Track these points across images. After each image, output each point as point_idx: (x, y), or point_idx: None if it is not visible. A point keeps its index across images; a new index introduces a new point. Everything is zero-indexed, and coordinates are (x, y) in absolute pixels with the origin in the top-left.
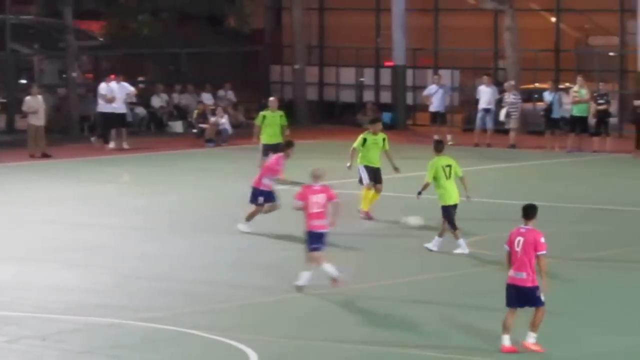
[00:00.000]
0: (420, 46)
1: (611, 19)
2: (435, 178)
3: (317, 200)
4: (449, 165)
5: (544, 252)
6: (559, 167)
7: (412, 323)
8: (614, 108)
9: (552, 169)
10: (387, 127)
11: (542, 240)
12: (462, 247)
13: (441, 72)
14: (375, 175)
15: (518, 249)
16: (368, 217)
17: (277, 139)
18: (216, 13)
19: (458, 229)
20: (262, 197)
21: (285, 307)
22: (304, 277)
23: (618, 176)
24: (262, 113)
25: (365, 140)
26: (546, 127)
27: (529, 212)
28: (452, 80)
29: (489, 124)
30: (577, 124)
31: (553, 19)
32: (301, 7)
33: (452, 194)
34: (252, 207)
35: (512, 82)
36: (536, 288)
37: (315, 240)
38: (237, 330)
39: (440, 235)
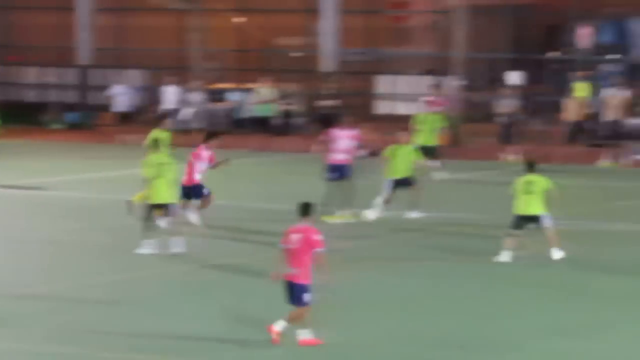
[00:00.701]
0: (108, 45)
1: (296, 20)
2: (148, 175)
3: None
4: (162, 164)
5: (321, 249)
6: (243, 166)
7: (98, 323)
8: (299, 108)
9: (236, 169)
10: (73, 128)
11: (318, 237)
12: (148, 247)
13: (128, 72)
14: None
15: (293, 246)
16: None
17: None
18: None
19: (153, 230)
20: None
21: None
22: None
23: (302, 174)
24: None
25: None
26: (231, 126)
27: (305, 210)
28: (139, 80)
29: (174, 124)
30: (261, 124)
31: (239, 20)
32: None
33: (158, 193)
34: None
35: (198, 82)
36: (304, 286)
37: None
38: None
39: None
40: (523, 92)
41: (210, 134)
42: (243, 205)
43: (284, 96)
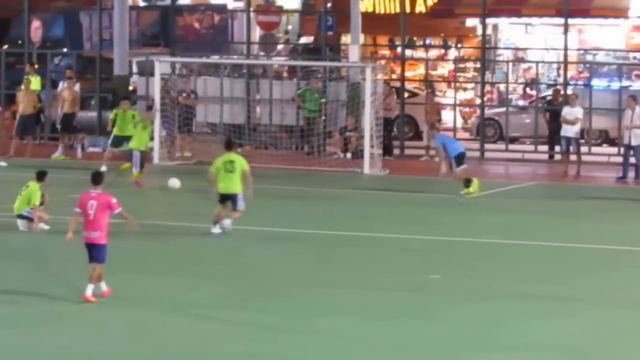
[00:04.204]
0: None
1: None
2: None
3: None
4: None
5: (119, 209)
6: None
7: None
8: None
9: None
10: None
11: (114, 200)
12: None
13: None
14: None
15: (91, 211)
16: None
17: None
18: None
19: None
20: None
21: None
22: None
23: None
24: None
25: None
26: None
27: (96, 178)
28: None
29: None
30: None
31: None
32: None
33: None
34: None
35: None
36: (105, 246)
37: None
38: None
39: None
40: None
41: None
42: None
43: None
